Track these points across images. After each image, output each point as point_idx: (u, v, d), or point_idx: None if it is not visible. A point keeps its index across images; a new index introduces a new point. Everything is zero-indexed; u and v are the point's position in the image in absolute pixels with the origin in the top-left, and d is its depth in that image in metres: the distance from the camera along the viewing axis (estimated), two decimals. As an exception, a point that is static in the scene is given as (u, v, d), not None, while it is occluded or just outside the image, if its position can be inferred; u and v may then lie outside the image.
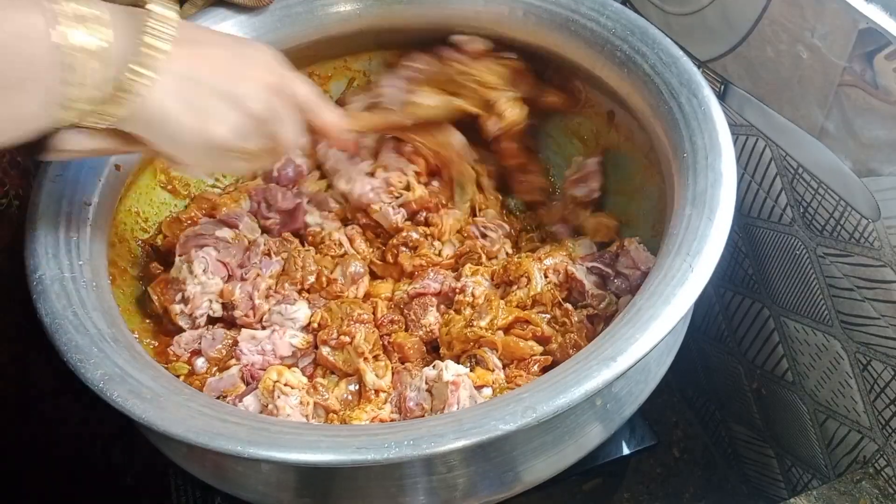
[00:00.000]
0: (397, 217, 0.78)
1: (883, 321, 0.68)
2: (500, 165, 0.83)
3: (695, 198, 0.58)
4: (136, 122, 0.50)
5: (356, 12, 0.78)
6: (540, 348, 0.66)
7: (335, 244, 0.77)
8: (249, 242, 0.76)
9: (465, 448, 0.48)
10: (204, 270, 0.71)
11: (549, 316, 0.68)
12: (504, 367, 0.66)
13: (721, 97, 0.78)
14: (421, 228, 0.78)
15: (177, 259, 0.72)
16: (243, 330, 0.70)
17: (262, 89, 0.55)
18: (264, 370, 0.66)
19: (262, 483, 0.58)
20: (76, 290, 0.59)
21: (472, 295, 0.69)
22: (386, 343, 0.70)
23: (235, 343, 0.69)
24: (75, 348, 0.54)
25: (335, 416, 0.65)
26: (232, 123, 0.53)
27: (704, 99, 0.63)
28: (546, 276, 0.70)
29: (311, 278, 0.73)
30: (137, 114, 0.49)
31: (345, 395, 0.67)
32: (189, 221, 0.77)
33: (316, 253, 0.76)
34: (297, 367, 0.69)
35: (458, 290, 0.71)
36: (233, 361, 0.69)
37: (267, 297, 0.72)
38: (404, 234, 0.77)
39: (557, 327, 0.67)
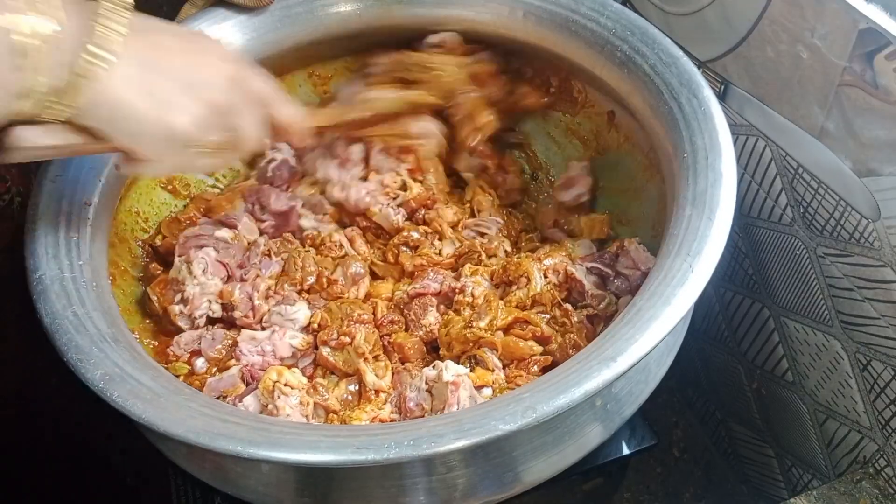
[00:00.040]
0: (398, 217, 0.78)
1: (883, 321, 0.68)
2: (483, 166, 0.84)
3: (695, 198, 0.58)
4: (96, 113, 0.49)
5: (356, 12, 0.78)
6: (540, 348, 0.66)
7: (335, 245, 0.77)
8: (249, 243, 0.76)
9: (465, 448, 0.48)
10: (203, 271, 0.71)
11: (548, 316, 0.68)
12: (504, 367, 0.66)
13: (721, 97, 0.78)
14: (422, 228, 0.78)
15: (176, 259, 0.72)
16: (243, 331, 0.70)
17: (222, 79, 0.54)
18: (264, 370, 0.66)
19: (263, 483, 0.58)
20: (76, 290, 0.59)
21: (472, 295, 0.69)
22: (386, 343, 0.70)
23: (235, 343, 0.69)
24: (75, 348, 0.54)
25: (335, 416, 0.65)
26: (193, 113, 0.52)
27: (704, 99, 0.63)
28: (546, 277, 0.70)
29: (311, 279, 0.73)
30: (96, 103, 0.48)
31: (345, 396, 0.67)
32: (188, 222, 0.77)
33: (316, 254, 0.76)
34: (297, 367, 0.69)
35: (457, 290, 0.71)
36: (232, 362, 0.69)
37: (267, 297, 0.72)
38: (405, 233, 0.77)
39: (557, 327, 0.67)
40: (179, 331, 0.71)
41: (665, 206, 0.66)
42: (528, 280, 0.70)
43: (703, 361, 1.04)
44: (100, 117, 0.49)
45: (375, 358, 0.68)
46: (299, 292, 0.73)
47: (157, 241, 0.76)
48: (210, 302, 0.71)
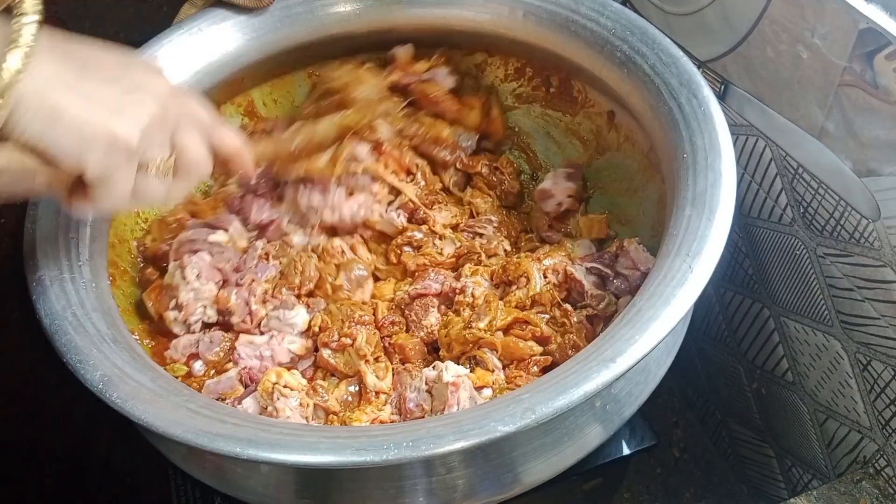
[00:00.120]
0: (400, 220, 0.78)
1: (883, 321, 0.68)
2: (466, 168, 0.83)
3: (695, 198, 0.58)
4: (34, 120, 0.45)
5: (356, 12, 0.78)
6: (539, 349, 0.66)
7: (338, 252, 0.76)
8: (245, 247, 0.75)
9: (465, 449, 0.48)
10: (197, 276, 0.70)
11: (548, 316, 0.68)
12: (504, 367, 0.66)
13: (721, 97, 0.78)
14: (424, 227, 0.78)
15: (171, 265, 0.71)
16: (241, 335, 0.70)
17: (161, 92, 0.52)
18: (263, 373, 0.66)
19: (262, 484, 0.58)
20: (75, 290, 0.59)
21: (472, 295, 0.69)
22: (387, 344, 0.70)
23: (233, 346, 0.69)
24: (75, 349, 0.54)
25: (335, 417, 0.65)
26: (135, 119, 0.49)
27: (704, 99, 0.63)
28: (545, 277, 0.70)
29: (311, 284, 0.73)
30: (31, 107, 0.45)
31: (344, 397, 0.67)
32: (175, 223, 0.75)
33: (318, 260, 0.76)
34: (297, 369, 0.69)
35: (458, 291, 0.71)
36: (230, 364, 0.68)
37: (264, 301, 0.71)
38: (408, 233, 0.77)
39: (557, 328, 0.67)
40: (177, 335, 0.71)
41: (665, 206, 0.66)
42: (528, 280, 0.70)
43: (703, 361, 1.04)
44: (40, 127, 0.46)
45: (376, 359, 0.68)
46: (298, 296, 0.73)
47: (148, 242, 0.74)
48: (205, 308, 0.70)
